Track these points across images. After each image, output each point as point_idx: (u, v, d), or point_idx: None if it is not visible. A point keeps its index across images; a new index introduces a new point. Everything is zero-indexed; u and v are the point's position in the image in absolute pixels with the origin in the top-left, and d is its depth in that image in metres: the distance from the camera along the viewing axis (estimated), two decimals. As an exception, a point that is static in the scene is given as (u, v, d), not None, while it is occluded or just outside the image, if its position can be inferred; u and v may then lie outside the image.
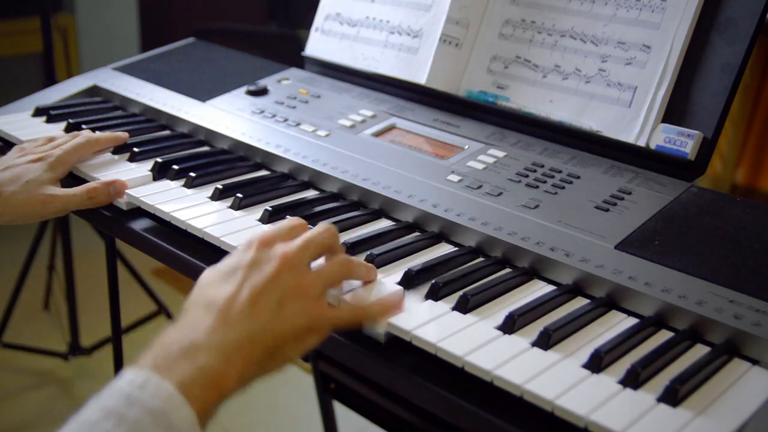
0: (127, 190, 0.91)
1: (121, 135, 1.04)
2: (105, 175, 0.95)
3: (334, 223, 0.83)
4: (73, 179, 0.98)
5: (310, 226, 0.73)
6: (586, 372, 0.62)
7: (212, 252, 0.82)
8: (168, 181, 0.95)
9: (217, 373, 0.57)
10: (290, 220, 0.71)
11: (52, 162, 0.94)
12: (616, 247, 0.75)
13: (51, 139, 1.00)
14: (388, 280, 0.74)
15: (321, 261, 0.70)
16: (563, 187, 0.86)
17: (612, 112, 0.92)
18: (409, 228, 0.86)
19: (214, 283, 0.64)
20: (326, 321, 0.64)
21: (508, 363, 0.62)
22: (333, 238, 0.70)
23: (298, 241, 0.67)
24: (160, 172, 0.97)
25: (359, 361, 0.68)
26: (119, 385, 0.55)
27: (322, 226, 0.70)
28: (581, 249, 0.75)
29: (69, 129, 1.11)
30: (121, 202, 0.91)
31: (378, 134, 1.02)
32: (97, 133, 1.01)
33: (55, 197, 0.90)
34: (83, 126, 1.09)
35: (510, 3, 1.04)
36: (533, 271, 0.77)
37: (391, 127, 1.04)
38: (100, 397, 0.54)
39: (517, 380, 0.60)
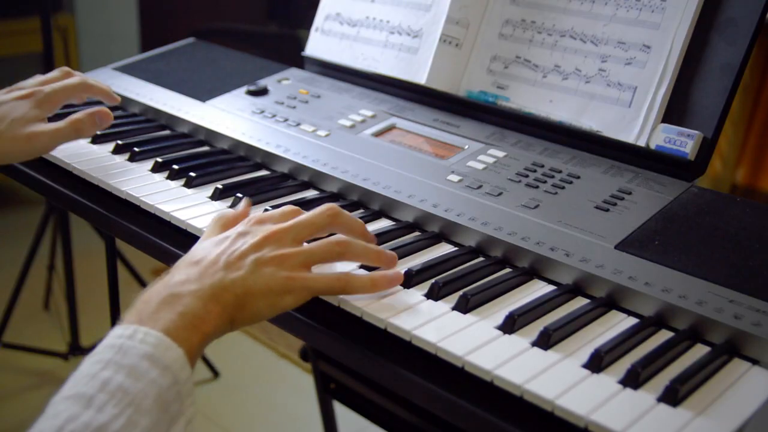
0: (126, 189, 0.91)
1: (114, 96, 1.03)
2: (117, 181, 0.95)
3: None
4: (69, 177, 0.98)
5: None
6: (586, 372, 0.62)
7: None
8: (168, 181, 0.95)
9: (195, 316, 0.62)
10: (284, 207, 0.75)
11: (40, 99, 0.92)
12: (616, 247, 0.75)
13: (44, 81, 0.97)
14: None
15: None
16: (563, 187, 0.86)
17: (612, 112, 0.92)
18: (409, 228, 0.86)
19: (202, 247, 0.70)
20: (303, 285, 0.67)
21: (508, 363, 0.62)
22: (330, 218, 0.72)
23: (289, 222, 0.71)
24: (160, 173, 0.97)
25: (359, 361, 0.68)
26: (109, 339, 0.59)
27: (320, 208, 0.73)
28: (581, 249, 0.75)
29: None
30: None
31: (378, 134, 1.02)
32: (92, 80, 0.99)
33: (41, 133, 0.89)
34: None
35: (510, 3, 1.04)
36: (533, 271, 0.77)
37: (391, 127, 1.04)
38: (93, 353, 0.58)
39: (517, 380, 0.60)
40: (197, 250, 0.70)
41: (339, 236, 0.72)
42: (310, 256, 0.69)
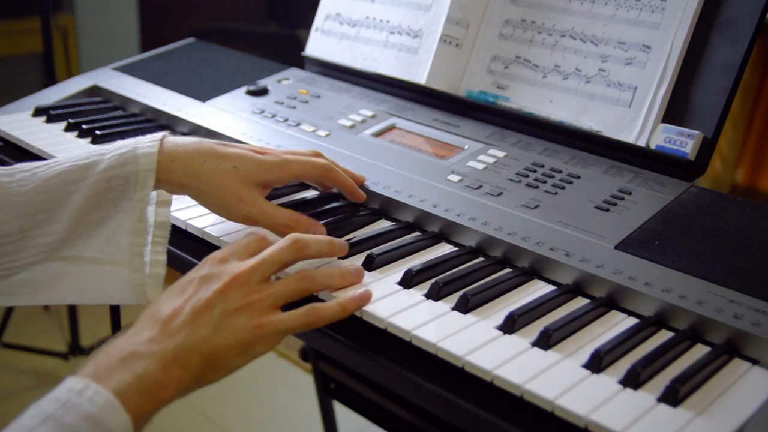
0: None
1: (360, 177, 0.89)
2: None
3: (334, 223, 0.84)
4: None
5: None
6: (586, 372, 0.62)
7: (212, 252, 0.82)
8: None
9: (153, 380, 0.58)
10: (248, 236, 0.72)
11: (275, 161, 0.80)
12: (616, 247, 0.75)
13: (291, 152, 0.84)
14: (389, 279, 0.74)
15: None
16: (563, 187, 0.86)
17: (612, 112, 0.92)
18: (409, 228, 0.86)
19: (165, 298, 0.65)
20: (272, 331, 0.64)
21: (508, 363, 0.62)
22: (296, 252, 0.69)
23: (253, 260, 0.67)
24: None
25: (359, 361, 0.68)
26: (58, 392, 0.56)
27: (285, 240, 0.69)
28: (581, 249, 0.75)
29: (69, 129, 1.11)
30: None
31: (378, 134, 1.02)
32: (337, 169, 0.85)
33: (253, 201, 0.78)
34: (83, 126, 1.09)
35: (510, 3, 1.04)
36: (533, 271, 0.77)
37: (391, 127, 1.04)
38: (38, 404, 0.56)
39: (517, 380, 0.60)
40: (160, 302, 0.65)
41: (300, 272, 0.69)
42: (277, 299, 0.66)
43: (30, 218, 0.73)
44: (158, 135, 0.78)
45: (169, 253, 0.83)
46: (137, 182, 0.75)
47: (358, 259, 0.77)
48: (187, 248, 0.84)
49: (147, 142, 0.77)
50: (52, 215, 0.74)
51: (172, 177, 0.77)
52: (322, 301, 0.71)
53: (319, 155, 0.85)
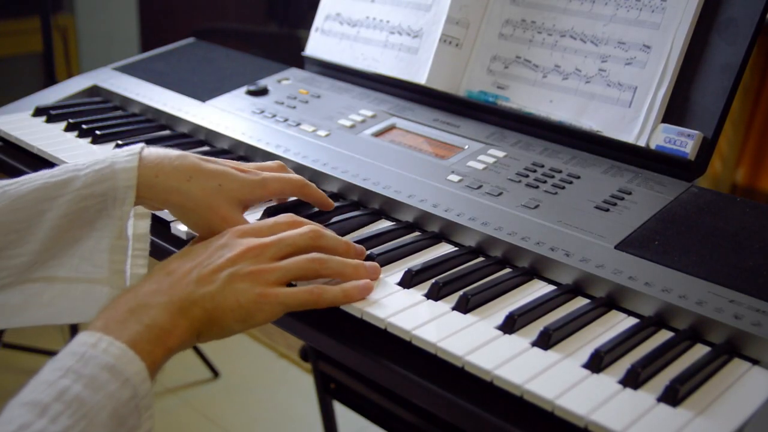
0: None
1: (330, 203, 0.87)
2: None
3: (334, 223, 0.84)
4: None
5: (312, 223, 0.74)
6: (586, 372, 0.62)
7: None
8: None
9: (161, 329, 0.61)
10: (278, 217, 0.74)
11: (255, 180, 0.79)
12: (616, 247, 0.75)
13: (261, 168, 0.84)
14: (390, 279, 0.74)
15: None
16: (563, 187, 0.86)
17: (612, 112, 0.92)
18: (409, 228, 0.86)
19: (181, 256, 0.69)
20: (275, 301, 0.66)
21: (508, 363, 0.62)
22: (312, 240, 0.71)
23: (270, 238, 0.69)
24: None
25: (359, 361, 0.68)
26: (73, 346, 0.58)
27: (304, 228, 0.72)
28: (581, 249, 0.75)
29: (69, 129, 1.11)
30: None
31: (378, 134, 1.02)
32: (313, 185, 0.85)
33: (233, 221, 0.76)
34: (83, 126, 1.09)
35: (510, 3, 1.04)
36: (533, 271, 0.77)
37: (391, 127, 1.04)
38: (55, 359, 0.57)
39: (517, 380, 0.60)
40: (173, 260, 0.68)
41: (316, 254, 0.70)
42: (286, 273, 0.68)
43: (1, 239, 0.70)
44: (136, 147, 0.75)
45: (170, 253, 0.84)
46: (116, 199, 0.72)
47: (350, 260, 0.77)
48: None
49: (125, 156, 0.74)
50: (24, 235, 0.71)
51: (155, 193, 0.74)
52: None
53: (285, 169, 0.84)
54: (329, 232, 0.73)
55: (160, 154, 0.76)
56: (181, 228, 0.84)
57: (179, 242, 0.84)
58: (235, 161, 0.82)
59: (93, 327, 0.60)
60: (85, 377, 0.55)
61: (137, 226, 0.79)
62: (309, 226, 0.72)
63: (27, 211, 0.71)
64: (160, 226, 0.85)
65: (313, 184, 0.85)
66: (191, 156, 0.77)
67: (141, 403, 0.57)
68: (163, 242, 0.85)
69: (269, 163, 0.85)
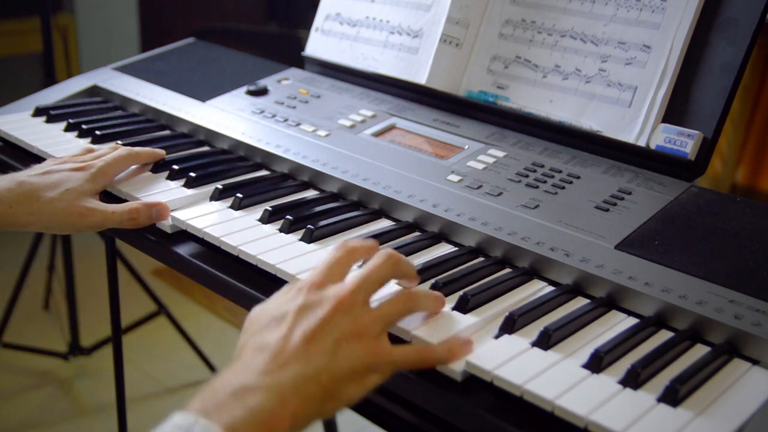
0: (126, 189, 0.92)
1: (159, 152, 0.99)
2: (117, 181, 0.95)
3: (334, 223, 0.84)
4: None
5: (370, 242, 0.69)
6: (586, 372, 0.62)
7: (212, 252, 0.82)
8: (168, 181, 0.95)
9: (269, 413, 0.54)
10: (334, 252, 0.67)
11: (93, 173, 0.90)
12: (616, 247, 0.75)
13: (90, 150, 0.96)
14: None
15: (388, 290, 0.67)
16: (563, 187, 0.86)
17: (612, 112, 0.92)
18: (409, 228, 0.86)
19: (265, 326, 0.61)
20: (388, 361, 0.61)
21: (508, 363, 0.62)
22: (394, 267, 0.65)
23: (352, 281, 0.63)
24: (160, 173, 0.97)
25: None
26: (165, 427, 0.53)
27: (380, 257, 0.65)
28: (581, 249, 0.75)
29: (69, 129, 1.11)
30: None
31: (378, 134, 1.02)
32: (137, 148, 0.97)
33: (94, 211, 0.86)
34: (83, 126, 1.09)
35: (510, 3, 1.04)
36: (533, 271, 0.77)
37: (391, 127, 1.04)
38: None
39: (517, 380, 0.60)
40: (260, 335, 0.60)
41: (404, 291, 0.66)
42: (385, 321, 0.62)
43: None
44: None
45: (169, 253, 0.84)
46: None
47: (424, 289, 0.74)
48: (186, 248, 0.84)
49: None
50: None
51: (14, 220, 0.84)
52: None
53: (117, 147, 0.96)
54: (402, 256, 0.67)
55: (7, 185, 0.85)
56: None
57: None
58: (69, 159, 0.93)
59: (190, 407, 0.54)
60: None
61: None
62: (383, 253, 0.65)
63: None
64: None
65: (138, 149, 0.96)
66: (30, 177, 0.87)
67: None
68: (171, 246, 0.84)
69: (102, 147, 0.97)
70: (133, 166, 0.97)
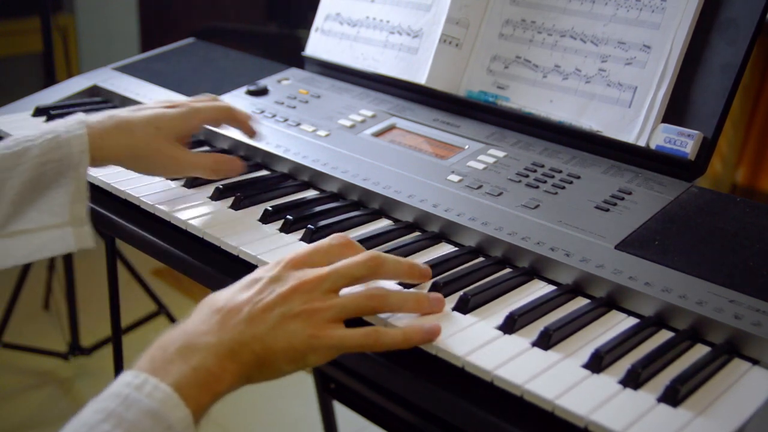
0: (126, 189, 0.92)
1: (254, 123, 0.97)
2: (117, 181, 0.95)
3: (334, 223, 0.84)
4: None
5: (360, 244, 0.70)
6: (586, 372, 0.62)
7: (212, 252, 0.82)
8: (168, 181, 0.95)
9: (209, 373, 0.58)
10: (332, 238, 0.70)
11: (186, 111, 0.90)
12: (616, 247, 0.75)
13: (192, 100, 0.96)
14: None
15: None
16: (563, 187, 0.86)
17: (612, 112, 0.92)
18: (409, 228, 0.86)
19: (227, 291, 0.65)
20: (329, 344, 0.62)
21: (508, 363, 0.62)
22: (370, 269, 0.66)
23: (325, 270, 0.65)
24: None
25: (359, 361, 0.68)
26: (117, 387, 0.56)
27: (362, 255, 0.67)
28: (581, 249, 0.75)
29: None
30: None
31: (378, 134, 1.02)
32: (237, 108, 0.95)
33: (183, 158, 0.88)
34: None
35: (510, 3, 1.04)
36: (533, 271, 0.77)
37: (391, 127, 1.04)
38: (98, 399, 0.55)
39: (517, 380, 0.60)
40: (222, 294, 0.64)
41: (372, 289, 0.67)
42: (341, 311, 0.64)
43: None
44: (80, 116, 0.86)
45: (170, 253, 0.84)
46: (71, 164, 0.82)
47: (414, 291, 0.73)
48: (186, 248, 0.84)
49: (73, 125, 0.84)
50: None
51: (105, 153, 0.84)
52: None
53: (215, 99, 0.95)
54: (389, 257, 0.68)
55: (100, 118, 0.86)
56: (180, 217, 0.85)
57: (185, 245, 0.83)
58: (163, 99, 0.92)
59: (139, 366, 0.58)
60: (127, 422, 0.53)
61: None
62: (367, 253, 0.67)
63: None
64: (165, 229, 0.85)
65: (240, 110, 0.94)
66: (123, 111, 0.89)
67: None
68: (171, 246, 0.84)
69: (200, 96, 0.95)
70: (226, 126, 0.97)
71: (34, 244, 0.82)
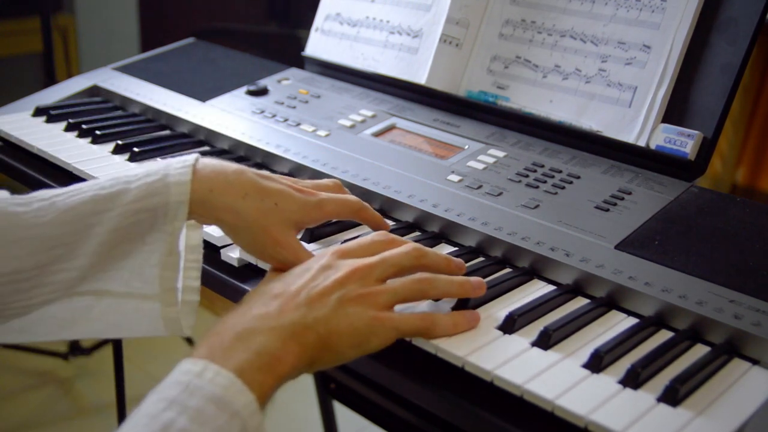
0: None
1: (385, 226, 0.82)
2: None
3: (334, 222, 0.84)
4: (68, 177, 0.98)
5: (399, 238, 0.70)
6: (586, 372, 0.62)
7: (212, 252, 0.82)
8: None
9: (271, 356, 0.57)
10: (374, 235, 0.70)
11: (312, 201, 0.74)
12: (616, 247, 0.75)
13: (318, 187, 0.79)
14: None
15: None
16: (563, 187, 0.86)
17: (612, 112, 0.92)
18: (409, 228, 0.86)
19: (282, 278, 0.65)
20: (389, 326, 0.63)
21: (508, 363, 0.62)
22: (414, 260, 0.67)
23: (374, 258, 0.66)
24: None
25: (359, 362, 0.68)
26: (176, 375, 0.54)
27: (406, 247, 0.68)
28: (581, 249, 0.75)
29: (69, 129, 1.11)
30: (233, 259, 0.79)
31: (378, 134, 1.02)
32: (368, 206, 0.80)
33: (287, 247, 0.71)
34: (83, 126, 1.09)
35: (510, 3, 1.04)
36: (533, 271, 0.77)
37: (391, 127, 1.04)
38: (157, 390, 0.54)
39: (517, 380, 0.60)
40: (276, 282, 0.64)
41: (422, 274, 0.68)
42: (395, 295, 0.65)
43: (47, 252, 0.66)
44: (191, 158, 0.71)
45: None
46: (167, 214, 0.68)
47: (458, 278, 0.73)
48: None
49: (178, 168, 0.70)
50: (72, 249, 0.67)
51: (207, 209, 0.70)
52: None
53: (341, 188, 0.81)
54: (431, 250, 0.70)
55: (216, 167, 0.71)
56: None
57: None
58: (291, 179, 0.77)
59: (197, 354, 0.56)
60: (191, 409, 0.52)
61: (189, 237, 0.73)
62: (411, 245, 0.68)
63: (75, 224, 0.67)
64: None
65: (369, 207, 0.80)
66: (248, 172, 0.73)
67: None
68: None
69: (325, 181, 0.81)
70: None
71: (106, 318, 0.71)
